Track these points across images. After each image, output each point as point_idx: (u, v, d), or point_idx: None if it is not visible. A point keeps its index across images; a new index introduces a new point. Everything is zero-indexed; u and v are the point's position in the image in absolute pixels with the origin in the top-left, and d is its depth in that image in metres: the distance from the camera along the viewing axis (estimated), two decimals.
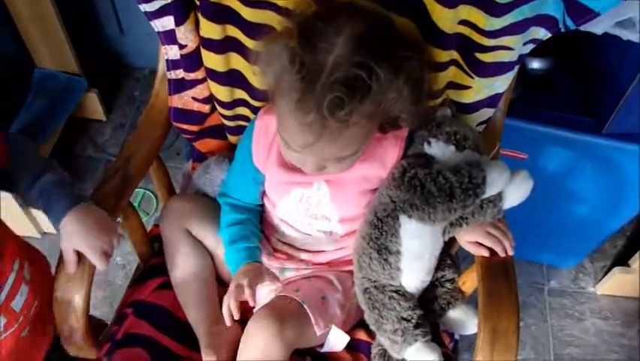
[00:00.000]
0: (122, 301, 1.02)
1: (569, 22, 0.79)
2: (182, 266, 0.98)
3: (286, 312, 0.86)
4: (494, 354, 0.80)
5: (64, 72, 1.78)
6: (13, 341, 0.85)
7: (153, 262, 1.05)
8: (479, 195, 0.82)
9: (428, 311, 0.94)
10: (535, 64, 1.24)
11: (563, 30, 0.82)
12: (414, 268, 0.90)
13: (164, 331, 0.96)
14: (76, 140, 1.84)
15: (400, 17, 0.81)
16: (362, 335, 0.98)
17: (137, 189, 1.65)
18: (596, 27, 0.99)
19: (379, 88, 0.73)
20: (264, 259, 0.96)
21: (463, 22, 0.82)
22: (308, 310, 0.86)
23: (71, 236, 0.82)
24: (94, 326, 0.93)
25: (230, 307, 0.84)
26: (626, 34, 1.00)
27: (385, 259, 0.88)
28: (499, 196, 0.85)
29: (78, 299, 0.85)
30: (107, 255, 0.84)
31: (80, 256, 0.83)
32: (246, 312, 0.89)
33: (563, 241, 1.60)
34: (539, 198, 1.41)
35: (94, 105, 1.84)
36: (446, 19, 0.81)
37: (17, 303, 0.84)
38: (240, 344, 0.87)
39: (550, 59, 1.23)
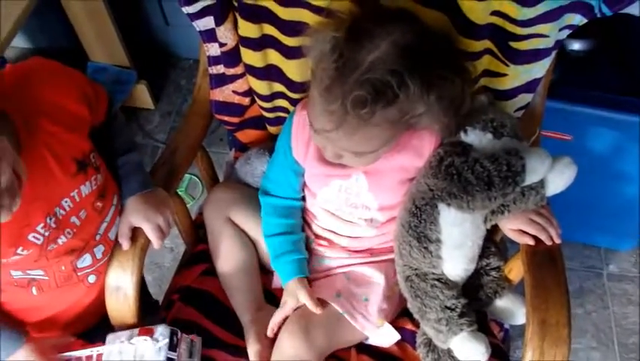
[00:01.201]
0: (170, 288, 1.07)
1: (605, 9, 0.77)
2: (226, 255, 1.01)
3: (320, 319, 0.90)
4: (544, 347, 0.79)
5: (115, 65, 1.85)
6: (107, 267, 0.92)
7: (199, 248, 1.08)
8: (519, 183, 0.81)
9: (474, 300, 0.94)
10: (577, 45, 1.22)
11: (598, 16, 0.80)
12: (455, 257, 0.90)
13: (210, 317, 1.00)
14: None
15: (432, 11, 0.81)
16: (407, 324, 0.99)
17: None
18: (634, 9, 0.96)
19: (406, 99, 0.74)
20: (310, 244, 1.00)
21: (496, 13, 0.81)
22: (349, 318, 0.91)
23: (132, 211, 0.90)
24: (148, 307, 0.99)
25: (276, 322, 0.92)
26: None
27: (425, 248, 0.89)
28: (541, 183, 0.84)
29: (130, 286, 0.89)
30: (162, 232, 0.89)
31: (134, 238, 0.89)
32: None
33: (618, 222, 1.55)
34: (588, 180, 1.39)
35: (143, 95, 1.91)
36: (477, 11, 0.80)
37: (113, 233, 0.92)
38: (274, 347, 0.91)
39: (591, 40, 1.20)
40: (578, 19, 0.83)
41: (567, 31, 0.86)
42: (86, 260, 0.89)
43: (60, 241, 0.83)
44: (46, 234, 0.80)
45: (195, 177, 1.79)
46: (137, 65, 1.88)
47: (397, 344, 0.98)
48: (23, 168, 0.70)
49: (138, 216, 0.89)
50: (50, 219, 0.80)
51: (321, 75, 0.76)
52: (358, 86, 0.71)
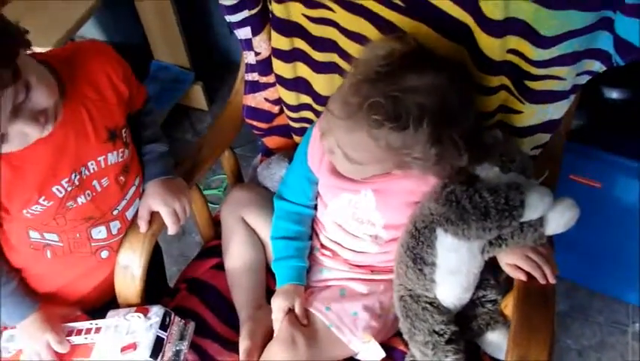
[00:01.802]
0: (180, 277, 1.13)
1: (618, 59, 0.78)
2: (235, 252, 1.06)
3: (308, 331, 0.94)
4: None
5: (176, 65, 1.97)
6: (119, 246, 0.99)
7: (213, 243, 1.14)
8: (516, 217, 0.82)
9: (466, 329, 0.95)
10: (615, 94, 1.21)
11: (615, 65, 0.81)
12: (449, 282, 0.91)
13: (212, 309, 1.05)
14: (179, 125, 2.02)
15: (452, 43, 0.84)
16: (399, 345, 1.01)
17: (222, 176, 1.80)
18: None
19: (412, 136, 0.78)
20: (314, 252, 1.04)
21: (512, 51, 0.83)
22: (336, 332, 0.94)
23: (152, 195, 0.96)
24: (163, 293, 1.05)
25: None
26: None
27: (420, 270, 0.91)
28: (540, 221, 0.85)
29: (137, 266, 0.96)
30: (178, 218, 0.96)
31: (150, 222, 0.96)
32: None
33: None
34: (618, 231, 1.38)
35: (198, 96, 2.01)
36: (493, 48, 0.82)
37: (131, 213, 0.99)
38: (264, 352, 0.95)
39: (629, 90, 1.19)
40: (597, 65, 0.84)
41: (587, 77, 0.87)
42: (101, 233, 0.95)
43: (80, 201, 0.89)
44: (69, 189, 0.87)
45: None
46: (197, 67, 1.99)
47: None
48: (60, 110, 0.80)
49: (156, 199, 0.96)
50: (75, 176, 0.87)
51: (361, 69, 0.81)
52: (384, 97, 0.75)
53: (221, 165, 1.20)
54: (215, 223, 1.17)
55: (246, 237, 1.07)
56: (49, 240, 0.92)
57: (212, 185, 1.90)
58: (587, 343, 1.56)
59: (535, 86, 0.86)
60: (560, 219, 0.85)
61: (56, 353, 0.96)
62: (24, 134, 0.76)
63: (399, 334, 1.01)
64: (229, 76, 2.16)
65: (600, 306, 1.60)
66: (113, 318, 0.96)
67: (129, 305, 0.98)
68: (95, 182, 0.90)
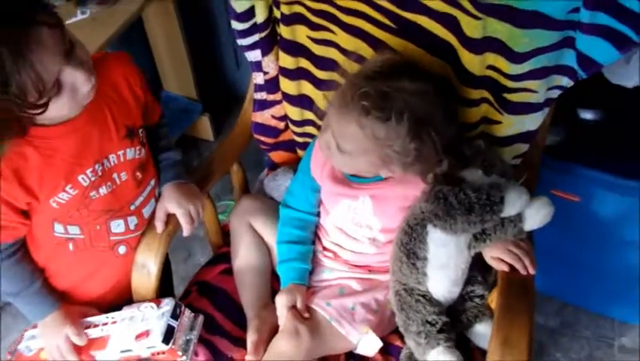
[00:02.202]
0: (191, 281, 1.21)
1: (581, 72, 0.90)
2: (243, 255, 1.16)
3: (310, 324, 1.02)
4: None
5: (185, 96, 2.10)
6: (137, 244, 1.08)
7: (222, 251, 1.24)
8: (497, 212, 0.92)
9: (456, 322, 1.03)
10: (589, 115, 1.32)
11: (579, 79, 0.92)
12: (439, 276, 1.00)
13: (220, 309, 1.13)
14: (186, 154, 2.12)
15: (437, 59, 0.96)
16: (396, 341, 1.09)
17: (227, 202, 1.90)
18: (628, 81, 1.07)
19: (394, 128, 0.88)
20: (317, 254, 1.13)
21: (491, 67, 0.95)
22: (335, 325, 1.02)
23: (168, 197, 1.06)
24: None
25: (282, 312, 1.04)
26: None
27: (413, 264, 1.00)
28: (519, 217, 0.95)
29: (153, 264, 1.05)
30: (192, 219, 1.05)
31: (166, 223, 1.05)
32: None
33: (631, 293, 1.57)
34: (600, 246, 1.47)
35: (205, 127, 2.13)
36: (474, 64, 0.94)
37: (147, 211, 1.08)
38: (270, 344, 1.03)
39: (602, 111, 1.31)
40: (565, 81, 0.96)
41: (557, 91, 0.99)
42: (120, 226, 1.04)
43: (101, 191, 0.98)
44: (92, 178, 0.97)
45: None
46: (204, 99, 2.12)
47: (383, 355, 1.07)
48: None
49: (172, 202, 1.06)
50: (98, 166, 0.97)
51: (360, 71, 0.93)
52: (375, 90, 0.87)
53: (227, 188, 1.30)
54: (224, 234, 1.27)
55: (254, 242, 1.16)
56: (72, 233, 1.00)
57: (218, 210, 2.00)
58: (576, 356, 1.62)
59: (512, 98, 0.98)
60: (536, 215, 0.95)
61: (75, 345, 1.04)
62: (74, 89, 0.85)
63: (395, 331, 1.09)
64: (235, 108, 2.29)
65: (587, 322, 1.68)
66: (128, 310, 1.04)
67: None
68: (115, 175, 1.00)
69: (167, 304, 1.02)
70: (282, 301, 1.06)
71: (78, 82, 0.85)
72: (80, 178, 0.95)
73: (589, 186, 1.33)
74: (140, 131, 1.03)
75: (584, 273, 1.59)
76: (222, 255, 1.23)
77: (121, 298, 1.12)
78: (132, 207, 1.04)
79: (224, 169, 1.22)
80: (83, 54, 0.86)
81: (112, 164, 0.99)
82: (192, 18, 2.05)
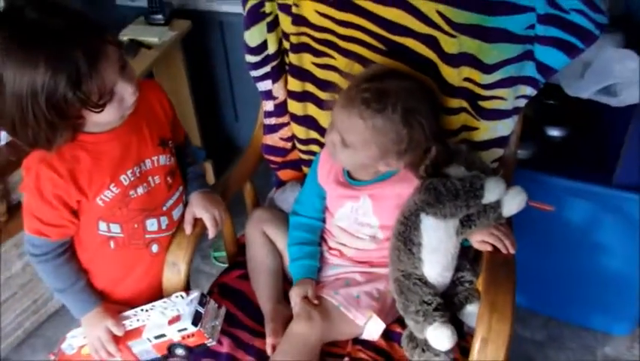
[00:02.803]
0: (212, 285, 1.34)
1: (540, 79, 1.10)
2: (258, 258, 1.30)
3: (323, 311, 1.15)
4: (492, 323, 1.00)
5: None
6: (168, 243, 1.21)
7: (238, 259, 1.38)
8: (479, 197, 1.08)
9: (450, 304, 1.16)
10: (555, 132, 1.52)
11: (540, 87, 1.11)
12: (432, 260, 1.14)
13: (240, 307, 1.26)
14: None
15: (421, 74, 1.16)
16: (397, 328, 1.22)
17: None
18: (582, 92, 1.27)
19: (389, 117, 1.06)
20: (324, 253, 1.27)
21: (466, 79, 1.14)
22: (344, 310, 1.15)
23: (196, 203, 1.21)
24: None
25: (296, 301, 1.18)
26: (605, 100, 1.28)
27: (409, 249, 1.15)
28: (498, 204, 1.11)
29: (183, 262, 1.19)
30: (216, 223, 1.20)
31: (194, 226, 1.20)
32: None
33: (609, 302, 1.70)
34: (574, 256, 1.62)
35: (208, 172, 2.29)
36: (453, 76, 1.14)
37: (176, 213, 1.22)
38: (287, 329, 1.15)
39: (567, 128, 1.51)
40: (529, 90, 1.15)
41: (524, 100, 1.17)
42: (153, 225, 1.17)
43: (139, 191, 1.13)
44: (131, 178, 1.11)
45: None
46: (207, 147, 2.30)
47: (386, 341, 1.20)
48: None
49: (199, 206, 1.21)
50: (136, 168, 1.12)
51: (358, 76, 1.12)
52: (373, 87, 1.06)
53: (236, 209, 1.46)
54: (239, 245, 1.41)
55: (267, 247, 1.31)
56: (113, 232, 1.14)
57: (222, 247, 2.13)
58: None
59: (485, 105, 1.17)
60: (512, 201, 1.11)
61: (114, 336, 1.16)
62: (122, 100, 1.01)
63: (396, 321, 1.22)
64: (236, 156, 2.48)
65: (571, 334, 1.79)
66: (159, 302, 1.16)
67: None
68: (149, 177, 1.15)
69: (194, 293, 1.15)
70: (295, 292, 1.19)
71: (126, 93, 1.02)
72: (121, 178, 1.11)
73: (561, 195, 1.51)
74: (170, 142, 1.20)
75: (564, 286, 1.72)
76: (238, 263, 1.37)
77: (151, 300, 1.23)
78: (164, 208, 1.19)
79: (239, 184, 1.38)
80: (132, 72, 1.04)
81: (147, 167, 1.15)
82: (197, 76, 2.27)
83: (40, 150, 1.03)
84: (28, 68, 0.90)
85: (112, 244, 1.16)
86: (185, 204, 1.24)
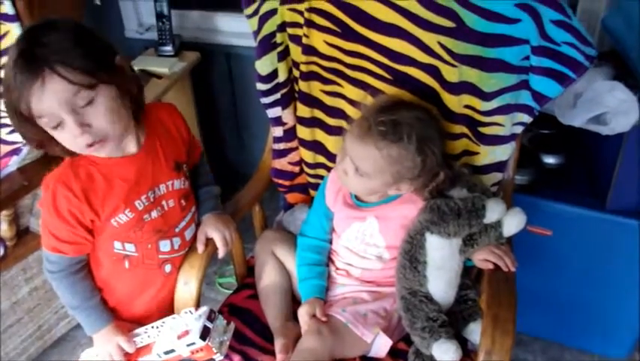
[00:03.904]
0: (221, 305, 1.38)
1: (535, 105, 1.17)
2: (267, 278, 1.34)
3: (332, 328, 1.19)
4: (495, 336, 1.05)
5: None
6: (180, 263, 1.24)
7: (247, 281, 1.43)
8: (481, 217, 1.15)
9: (454, 321, 1.21)
10: (551, 159, 1.59)
11: (536, 114, 1.18)
12: (437, 277, 1.20)
13: (249, 326, 1.30)
14: None
15: (426, 102, 1.23)
16: (403, 346, 1.26)
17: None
18: (575, 121, 1.35)
19: (405, 147, 1.12)
20: (332, 273, 1.32)
21: (467, 106, 1.21)
22: (351, 327, 1.19)
23: (207, 224, 1.26)
24: None
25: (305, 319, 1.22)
26: (596, 128, 1.35)
27: (415, 267, 1.20)
28: (498, 223, 1.18)
29: (195, 280, 1.23)
30: (227, 243, 1.25)
31: (206, 245, 1.25)
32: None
33: (607, 326, 1.74)
34: (571, 280, 1.67)
35: None
36: (453, 103, 1.21)
37: (188, 234, 1.26)
38: (297, 345, 1.20)
39: (563, 155, 1.58)
40: (526, 118, 1.22)
41: (521, 127, 1.24)
42: (166, 246, 1.21)
43: (153, 215, 1.17)
44: (146, 203, 1.15)
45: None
46: (212, 174, 2.35)
47: (393, 359, 1.23)
48: (142, 135, 1.16)
49: (211, 227, 1.26)
50: (151, 193, 1.16)
51: (368, 108, 1.18)
52: (387, 119, 1.11)
53: (251, 223, 1.51)
54: (248, 267, 1.46)
55: (276, 267, 1.35)
56: (128, 251, 1.18)
57: (227, 273, 2.18)
58: None
59: (485, 131, 1.23)
60: (512, 221, 1.17)
61: (125, 353, 1.20)
62: (74, 136, 1.01)
63: (402, 340, 1.26)
64: (240, 184, 2.53)
65: (570, 358, 1.84)
66: (169, 318, 1.20)
67: None
68: (164, 201, 1.20)
69: (203, 308, 1.19)
70: (304, 311, 1.24)
71: (70, 130, 1.02)
72: (136, 203, 1.15)
73: (557, 219, 1.57)
74: (185, 166, 1.25)
75: (563, 310, 1.77)
76: (246, 284, 1.42)
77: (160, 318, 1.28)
78: (177, 230, 1.23)
79: (249, 207, 1.43)
80: (98, 115, 1.04)
81: (162, 192, 1.20)
82: (204, 105, 2.35)
83: (58, 168, 1.10)
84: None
85: (127, 263, 1.20)
86: (198, 225, 1.29)
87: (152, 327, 1.21)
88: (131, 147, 1.14)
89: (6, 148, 1.52)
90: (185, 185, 1.25)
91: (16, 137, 1.51)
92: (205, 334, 1.14)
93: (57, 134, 1.02)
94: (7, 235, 1.52)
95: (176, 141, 1.24)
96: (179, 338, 1.15)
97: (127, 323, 1.24)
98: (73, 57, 0.97)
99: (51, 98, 0.97)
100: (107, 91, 1.02)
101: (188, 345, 1.15)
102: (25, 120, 1.01)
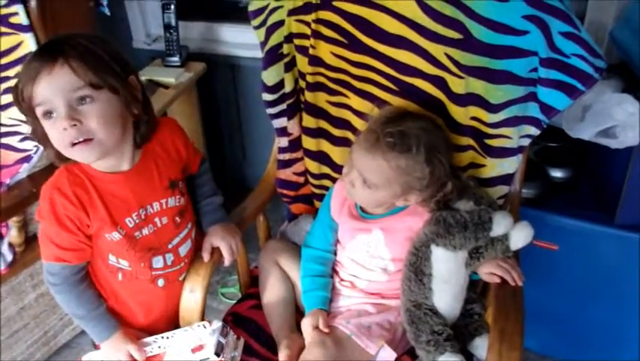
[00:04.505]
0: (225, 314, 1.37)
1: (543, 118, 1.16)
2: (271, 289, 1.33)
3: (336, 339, 1.19)
4: (502, 350, 1.03)
5: None
6: (175, 278, 1.24)
7: (251, 291, 1.42)
8: (487, 229, 1.14)
9: (459, 336, 1.20)
10: (558, 173, 1.58)
11: (544, 127, 1.17)
12: (443, 290, 1.18)
13: (253, 336, 1.29)
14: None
15: (432, 114, 1.22)
16: (407, 359, 1.23)
17: None
18: (584, 134, 1.34)
19: (414, 157, 1.12)
20: (336, 284, 1.31)
21: (473, 118, 1.20)
22: (355, 339, 1.18)
23: (213, 234, 1.26)
24: None
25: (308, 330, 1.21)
26: (604, 142, 1.34)
27: (420, 280, 1.19)
28: (505, 237, 1.16)
29: (200, 288, 1.22)
30: (233, 251, 1.24)
31: (212, 254, 1.24)
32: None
33: (613, 342, 1.71)
34: (580, 296, 1.65)
35: None
36: (460, 115, 1.20)
37: (183, 250, 1.23)
38: (301, 355, 1.19)
39: (569, 169, 1.57)
40: (533, 130, 1.21)
41: (528, 140, 1.23)
42: (159, 262, 1.20)
43: (144, 232, 1.16)
44: (137, 221, 1.14)
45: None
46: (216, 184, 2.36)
47: None
48: (138, 154, 1.15)
49: (217, 236, 1.25)
50: (142, 211, 1.15)
51: (374, 120, 1.17)
52: (395, 130, 1.11)
53: (255, 233, 1.50)
54: (252, 277, 1.45)
55: (280, 277, 1.34)
56: (122, 265, 1.17)
57: (229, 283, 2.17)
58: None
59: (492, 143, 1.22)
60: (519, 234, 1.16)
61: None
62: (61, 131, 1.02)
63: (407, 353, 1.24)
64: (241, 196, 2.53)
65: None
66: (181, 330, 1.19)
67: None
68: (156, 218, 1.18)
69: (217, 324, 1.18)
70: (307, 322, 1.23)
71: (58, 122, 1.03)
72: (127, 220, 1.14)
73: (564, 234, 1.55)
74: (180, 183, 1.24)
75: (571, 326, 1.75)
76: (250, 294, 1.40)
77: (162, 329, 1.26)
78: (170, 246, 1.22)
79: (253, 217, 1.42)
80: (91, 113, 1.05)
81: (154, 210, 1.18)
82: (208, 116, 2.35)
83: (53, 176, 1.12)
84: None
85: (120, 275, 1.19)
86: (196, 239, 1.28)
87: (163, 337, 1.20)
88: (124, 165, 1.14)
89: (17, 156, 1.55)
90: (180, 202, 1.23)
91: (27, 145, 1.53)
92: (219, 350, 1.14)
93: (47, 125, 1.03)
94: (16, 241, 1.53)
95: (174, 160, 1.22)
96: (193, 351, 1.15)
97: (133, 330, 1.23)
98: (90, 56, 1.01)
99: (53, 85, 0.99)
100: (110, 98, 1.04)
101: (201, 360, 1.14)
102: (28, 108, 1.03)
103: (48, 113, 1.02)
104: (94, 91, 1.01)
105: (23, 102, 1.03)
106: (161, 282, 1.23)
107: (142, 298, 1.23)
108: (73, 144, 1.03)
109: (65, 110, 1.00)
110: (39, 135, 1.07)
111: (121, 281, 1.20)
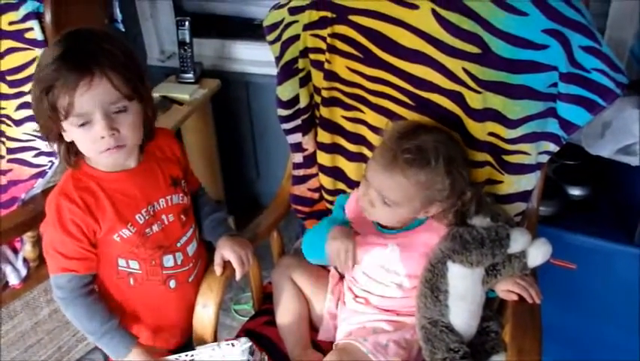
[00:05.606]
0: (239, 330, 1.36)
1: (562, 134, 1.14)
2: (285, 305, 1.31)
3: (353, 357, 1.16)
4: None
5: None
6: (185, 279, 1.24)
7: (264, 307, 1.40)
8: (505, 246, 1.12)
9: (475, 354, 1.17)
10: (576, 191, 1.56)
11: (563, 143, 1.16)
12: (459, 307, 1.16)
13: (268, 353, 1.26)
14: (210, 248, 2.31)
15: (449, 130, 1.21)
16: None
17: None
18: (603, 151, 1.32)
19: (433, 170, 1.11)
20: (350, 301, 1.28)
21: (491, 134, 1.19)
22: (372, 358, 1.16)
23: (223, 247, 1.25)
24: None
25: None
26: (625, 159, 1.32)
27: (436, 297, 1.17)
28: (523, 254, 1.15)
29: (213, 303, 1.21)
30: (244, 264, 1.23)
31: (224, 268, 1.23)
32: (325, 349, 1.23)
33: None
34: (598, 316, 1.62)
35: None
36: (477, 130, 1.19)
37: (190, 250, 1.25)
38: None
39: (588, 187, 1.55)
40: (552, 146, 1.19)
41: (546, 156, 1.21)
42: (169, 261, 1.21)
43: (154, 228, 1.18)
44: (146, 217, 1.17)
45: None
46: (229, 202, 2.35)
47: None
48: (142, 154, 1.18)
49: (227, 249, 1.25)
50: (150, 207, 1.18)
51: (389, 136, 1.15)
52: (412, 146, 1.10)
53: (268, 249, 1.49)
54: (265, 294, 1.43)
55: (294, 293, 1.33)
56: (132, 268, 1.18)
57: (242, 300, 2.16)
58: None
59: (510, 159, 1.21)
60: (537, 251, 1.14)
61: None
62: (95, 137, 1.06)
63: None
64: (256, 212, 2.52)
65: None
66: (205, 348, 1.16)
67: (204, 342, 1.21)
68: (163, 215, 1.20)
69: (245, 343, 1.15)
70: (334, 247, 1.16)
71: (97, 128, 1.06)
72: (137, 217, 1.16)
73: (583, 253, 1.53)
74: (182, 182, 1.26)
75: (589, 346, 1.71)
76: (264, 310, 1.39)
77: (172, 338, 1.28)
78: (178, 245, 1.23)
79: (267, 233, 1.42)
80: (126, 122, 1.09)
81: (161, 206, 1.20)
82: (223, 133, 2.35)
83: (59, 183, 1.14)
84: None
85: (131, 280, 1.20)
86: (200, 242, 1.30)
87: (187, 355, 1.17)
88: (131, 162, 1.17)
89: (31, 171, 1.55)
90: (183, 200, 1.25)
91: (42, 160, 1.54)
92: None
93: (79, 133, 1.06)
94: (30, 256, 1.53)
95: (172, 160, 1.25)
96: None
97: (150, 347, 1.21)
98: (122, 66, 1.04)
99: (93, 97, 1.02)
100: (137, 106, 1.09)
101: None
102: (54, 113, 1.04)
103: (84, 124, 1.04)
104: (128, 102, 1.06)
105: (54, 109, 1.03)
106: (172, 283, 1.23)
107: (153, 303, 1.23)
108: (106, 150, 1.07)
109: (105, 121, 1.04)
110: (52, 135, 1.10)
111: (132, 287, 1.20)
